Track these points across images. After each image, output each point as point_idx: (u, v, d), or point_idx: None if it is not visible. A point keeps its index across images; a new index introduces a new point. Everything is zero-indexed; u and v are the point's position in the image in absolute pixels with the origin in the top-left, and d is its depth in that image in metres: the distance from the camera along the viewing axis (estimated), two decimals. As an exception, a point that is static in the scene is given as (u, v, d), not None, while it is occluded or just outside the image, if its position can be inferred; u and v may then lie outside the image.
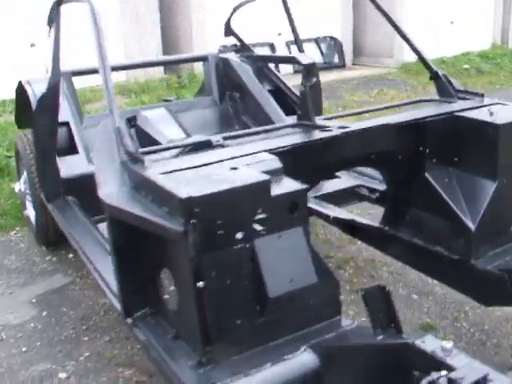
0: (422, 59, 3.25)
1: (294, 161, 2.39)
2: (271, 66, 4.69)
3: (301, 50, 4.51)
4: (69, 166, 3.80)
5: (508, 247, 2.79)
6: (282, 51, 9.99)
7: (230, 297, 1.97)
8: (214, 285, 1.92)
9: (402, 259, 3.25)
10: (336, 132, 2.63)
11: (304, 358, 1.90)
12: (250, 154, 2.27)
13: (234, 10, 4.58)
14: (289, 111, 4.18)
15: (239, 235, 1.93)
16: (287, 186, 2.05)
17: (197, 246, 1.88)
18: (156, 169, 2.19)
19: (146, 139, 3.76)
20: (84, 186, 3.33)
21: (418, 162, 2.85)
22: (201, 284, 1.90)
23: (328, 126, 2.71)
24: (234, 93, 4.65)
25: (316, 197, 3.56)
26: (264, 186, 1.96)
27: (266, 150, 2.36)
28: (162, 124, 3.98)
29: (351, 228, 3.38)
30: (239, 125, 4.56)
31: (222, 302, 1.96)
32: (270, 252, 1.99)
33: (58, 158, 3.80)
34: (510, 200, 2.76)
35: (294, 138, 2.64)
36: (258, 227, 1.96)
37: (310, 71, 2.86)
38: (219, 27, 4.84)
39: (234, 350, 1.97)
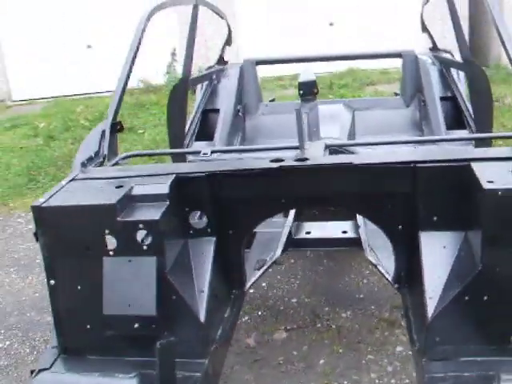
0: None
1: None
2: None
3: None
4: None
5: None
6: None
7: (77, 300, 2.16)
8: (64, 286, 2.16)
9: None
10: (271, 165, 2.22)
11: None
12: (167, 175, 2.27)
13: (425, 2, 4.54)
14: (458, 123, 3.80)
15: (89, 249, 2.09)
16: (141, 214, 2.06)
17: (47, 249, 2.14)
18: (83, 174, 2.40)
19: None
20: None
21: None
22: (52, 282, 2.16)
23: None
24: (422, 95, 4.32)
25: None
26: (109, 210, 2.02)
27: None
28: (326, 120, 3.93)
29: None
30: (419, 131, 4.20)
31: (69, 302, 2.18)
32: (115, 273, 2.08)
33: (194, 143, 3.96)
34: None
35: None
36: (105, 246, 2.06)
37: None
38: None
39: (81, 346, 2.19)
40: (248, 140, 4.62)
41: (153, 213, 2.07)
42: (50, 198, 2.19)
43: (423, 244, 2.12)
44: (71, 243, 2.15)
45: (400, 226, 2.27)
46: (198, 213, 2.37)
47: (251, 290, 3.88)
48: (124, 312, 2.08)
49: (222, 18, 4.62)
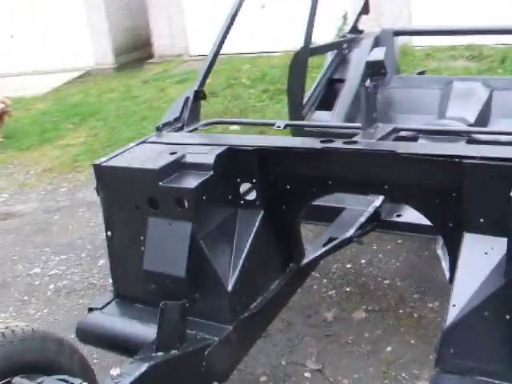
0: None
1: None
2: None
3: None
4: (311, 120, 3.94)
5: None
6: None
7: (128, 252, 2.35)
8: (118, 238, 2.39)
9: None
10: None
11: None
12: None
13: None
14: None
15: (138, 208, 2.26)
16: (180, 181, 2.18)
17: (104, 204, 2.39)
18: (154, 138, 2.59)
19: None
20: None
21: None
22: (109, 233, 2.40)
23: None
24: None
25: None
26: (152, 174, 2.16)
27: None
28: (457, 100, 3.85)
29: None
30: None
31: (122, 253, 2.40)
32: (157, 233, 2.24)
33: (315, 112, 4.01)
34: None
35: None
36: (149, 207, 2.22)
37: None
38: None
39: (130, 294, 2.42)
40: (379, 113, 4.50)
41: (192, 181, 2.16)
42: (112, 158, 2.38)
43: (464, 246, 1.97)
44: (123, 201, 2.34)
45: (451, 224, 2.12)
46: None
47: (348, 265, 3.86)
48: (160, 270, 2.24)
49: None
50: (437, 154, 2.00)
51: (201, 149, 2.33)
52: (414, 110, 4.28)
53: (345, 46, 4.42)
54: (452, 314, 1.84)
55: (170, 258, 2.22)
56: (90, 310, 2.49)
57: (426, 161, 2.02)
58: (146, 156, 2.35)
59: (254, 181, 2.32)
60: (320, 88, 4.18)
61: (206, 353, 2.08)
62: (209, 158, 2.23)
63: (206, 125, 2.82)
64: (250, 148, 2.27)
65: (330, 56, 4.41)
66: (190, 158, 2.28)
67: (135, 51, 11.48)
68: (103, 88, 9.95)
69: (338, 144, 2.17)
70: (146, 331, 2.18)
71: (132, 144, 2.52)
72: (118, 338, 2.35)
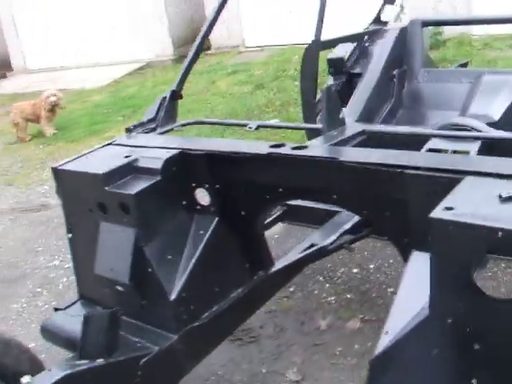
0: None
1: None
2: None
3: None
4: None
5: None
6: None
7: (87, 255, 2.31)
8: (77, 240, 2.41)
9: None
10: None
11: None
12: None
13: None
14: None
15: (91, 211, 2.25)
16: (125, 186, 2.13)
17: (63, 206, 2.41)
18: (122, 140, 2.56)
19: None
20: None
21: None
22: (69, 235, 2.42)
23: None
24: None
25: None
26: (98, 179, 2.13)
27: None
28: (484, 95, 3.63)
29: None
30: None
31: (82, 255, 2.40)
32: (107, 237, 2.21)
33: None
34: None
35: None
36: (99, 211, 2.21)
37: None
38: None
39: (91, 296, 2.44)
40: (405, 108, 4.29)
41: (136, 186, 2.10)
42: (72, 160, 2.35)
43: (408, 266, 1.80)
44: (79, 204, 2.32)
45: (406, 240, 1.95)
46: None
47: (355, 270, 3.70)
48: (107, 275, 2.21)
49: None
50: (380, 164, 1.83)
51: (156, 152, 2.26)
52: (439, 105, 4.05)
53: (366, 38, 4.21)
54: (382, 342, 1.68)
55: (116, 264, 2.18)
56: (56, 309, 2.49)
57: (372, 170, 1.86)
58: (103, 159, 2.31)
59: (207, 186, 2.23)
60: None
61: (140, 363, 2.02)
62: (158, 163, 2.16)
63: (183, 125, 2.75)
64: (201, 152, 2.18)
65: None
66: (142, 162, 2.22)
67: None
68: (159, 80, 10.05)
69: (285, 149, 2.04)
70: None
71: (97, 146, 2.49)
72: (76, 339, 2.33)
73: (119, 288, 2.18)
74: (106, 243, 2.22)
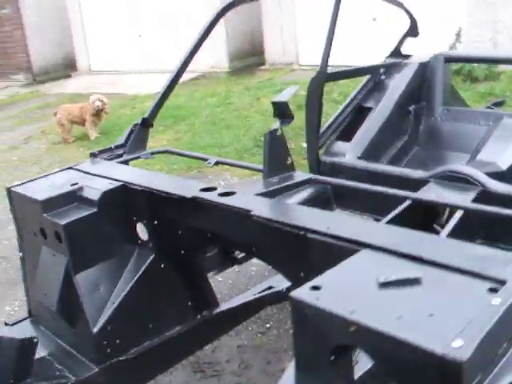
0: None
1: None
2: None
3: None
4: (328, 150, 3.68)
5: None
6: None
7: (33, 275, 2.36)
8: (26, 259, 2.46)
9: None
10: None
11: None
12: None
13: None
14: None
15: (36, 235, 2.26)
16: (61, 215, 2.13)
17: (15, 225, 2.45)
18: (82, 165, 2.55)
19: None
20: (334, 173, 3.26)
21: None
22: (20, 254, 2.47)
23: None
24: None
25: None
26: (37, 205, 2.16)
27: None
28: (498, 140, 3.45)
29: None
30: None
31: (30, 275, 2.42)
32: (45, 262, 2.23)
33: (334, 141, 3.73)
34: None
35: None
36: (41, 236, 2.23)
37: None
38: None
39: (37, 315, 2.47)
40: (420, 146, 4.14)
41: (70, 217, 2.10)
42: (27, 182, 2.38)
43: None
44: (26, 226, 2.33)
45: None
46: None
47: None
48: (41, 299, 2.24)
49: (399, 6, 4.11)
50: (285, 223, 1.76)
51: (101, 182, 2.26)
52: (454, 146, 3.90)
53: (382, 71, 4.09)
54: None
55: (48, 290, 2.20)
56: (6, 324, 2.52)
57: (279, 229, 1.79)
58: (53, 184, 2.33)
59: (145, 221, 2.21)
60: (344, 114, 3.90)
61: None
62: (96, 194, 2.15)
63: (153, 153, 2.74)
64: (139, 188, 2.16)
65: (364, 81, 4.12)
66: (85, 192, 2.22)
67: (250, 57, 11.59)
68: (208, 92, 10.14)
69: (211, 194, 1.99)
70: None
71: (57, 169, 2.52)
72: None
73: (50, 312, 2.19)
74: (43, 268, 2.24)
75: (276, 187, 2.17)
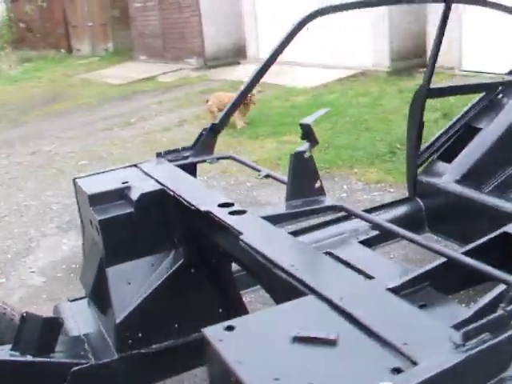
0: None
1: None
2: None
3: None
4: (427, 170, 3.61)
5: None
6: None
7: None
8: (84, 241, 2.63)
9: None
10: None
11: None
12: None
13: None
14: None
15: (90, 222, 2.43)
16: (102, 210, 2.26)
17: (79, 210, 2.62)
18: (146, 164, 2.66)
19: None
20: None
21: None
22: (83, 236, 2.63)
23: None
24: None
25: None
26: (86, 198, 2.35)
27: None
28: None
29: None
30: None
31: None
32: (89, 250, 2.50)
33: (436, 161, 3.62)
34: None
35: None
36: (90, 225, 2.44)
37: None
38: None
39: None
40: None
41: (108, 213, 2.25)
42: (92, 174, 2.58)
43: None
44: (83, 215, 2.53)
45: None
46: None
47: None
48: (82, 281, 2.53)
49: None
50: (261, 253, 1.76)
51: (148, 184, 2.38)
52: None
53: (499, 89, 3.77)
54: None
55: (87, 275, 2.36)
56: (68, 300, 2.76)
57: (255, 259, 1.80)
58: (110, 180, 2.49)
59: (178, 226, 2.29)
60: (449, 133, 3.68)
61: (72, 370, 2.15)
62: (135, 195, 2.28)
63: (218, 159, 2.81)
64: (171, 193, 2.25)
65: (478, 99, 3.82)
66: (131, 191, 2.35)
67: (414, 58, 11.20)
68: (361, 91, 10.01)
69: (222, 211, 2.02)
70: None
71: (122, 165, 2.67)
72: None
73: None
74: (88, 254, 2.41)
75: (290, 211, 2.15)
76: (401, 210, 3.61)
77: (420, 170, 3.71)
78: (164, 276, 2.27)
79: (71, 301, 2.68)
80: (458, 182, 3.48)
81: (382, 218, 3.47)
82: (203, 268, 2.32)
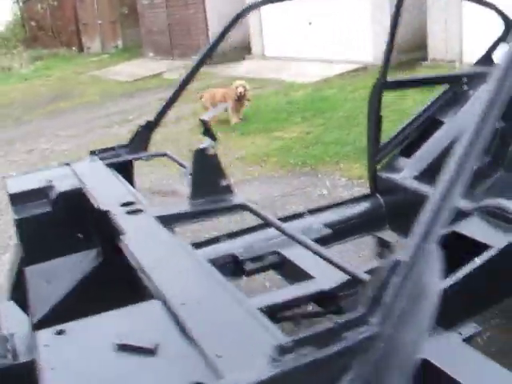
0: None
1: None
2: None
3: None
4: (387, 165, 3.57)
5: None
6: None
7: None
8: None
9: None
10: None
11: None
12: None
13: None
14: None
15: None
16: (22, 209, 2.23)
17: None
18: (77, 163, 2.67)
19: None
20: None
21: None
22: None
23: None
24: None
25: None
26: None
27: None
28: None
29: None
30: None
31: None
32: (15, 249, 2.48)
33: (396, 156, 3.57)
34: None
35: None
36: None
37: None
38: None
39: None
40: (504, 172, 3.71)
41: (26, 212, 2.25)
42: (24, 174, 2.58)
43: None
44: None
45: None
46: None
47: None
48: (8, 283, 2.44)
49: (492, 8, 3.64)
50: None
51: (69, 183, 2.37)
52: None
53: (464, 81, 3.65)
54: None
55: (10, 275, 2.37)
56: None
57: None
58: (37, 179, 2.49)
59: (91, 226, 2.29)
60: (412, 127, 3.59)
61: None
62: (54, 194, 2.27)
63: (153, 156, 2.79)
64: (84, 192, 2.24)
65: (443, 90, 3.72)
66: (53, 190, 2.35)
67: (416, 51, 11.06)
68: (360, 85, 9.90)
69: (120, 210, 1.99)
70: None
71: (56, 164, 2.68)
72: None
73: None
74: (13, 254, 2.42)
75: (193, 210, 2.12)
76: (362, 207, 3.56)
77: (381, 165, 3.65)
78: (83, 275, 2.27)
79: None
80: (416, 177, 3.40)
81: (342, 214, 3.43)
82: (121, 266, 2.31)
